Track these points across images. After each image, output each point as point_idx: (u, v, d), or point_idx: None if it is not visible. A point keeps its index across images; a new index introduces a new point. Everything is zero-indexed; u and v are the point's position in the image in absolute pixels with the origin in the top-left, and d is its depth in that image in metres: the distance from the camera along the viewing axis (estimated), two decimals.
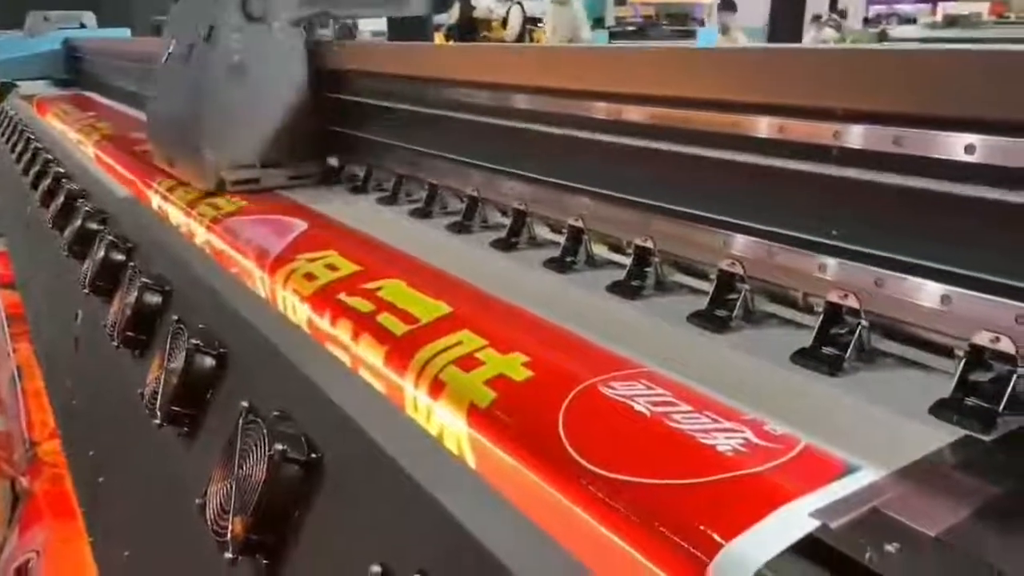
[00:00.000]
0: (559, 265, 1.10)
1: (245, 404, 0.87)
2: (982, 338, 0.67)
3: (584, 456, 0.66)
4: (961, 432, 0.65)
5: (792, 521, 0.55)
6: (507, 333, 0.89)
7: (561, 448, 0.68)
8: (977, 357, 0.68)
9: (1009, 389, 0.65)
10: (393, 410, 0.84)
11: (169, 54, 1.91)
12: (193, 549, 1.00)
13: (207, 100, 1.71)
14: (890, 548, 0.52)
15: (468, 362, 0.84)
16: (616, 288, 1.00)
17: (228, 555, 0.81)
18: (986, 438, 0.64)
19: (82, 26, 5.05)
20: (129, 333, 1.35)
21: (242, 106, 1.70)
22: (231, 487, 0.86)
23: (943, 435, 0.65)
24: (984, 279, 0.69)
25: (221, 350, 1.07)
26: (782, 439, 0.64)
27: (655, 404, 0.71)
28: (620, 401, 0.72)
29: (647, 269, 1.00)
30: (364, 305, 1.02)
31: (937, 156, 0.71)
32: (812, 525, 0.54)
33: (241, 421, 0.86)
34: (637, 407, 0.70)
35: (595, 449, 0.66)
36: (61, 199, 2.08)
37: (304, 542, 0.77)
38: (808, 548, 0.53)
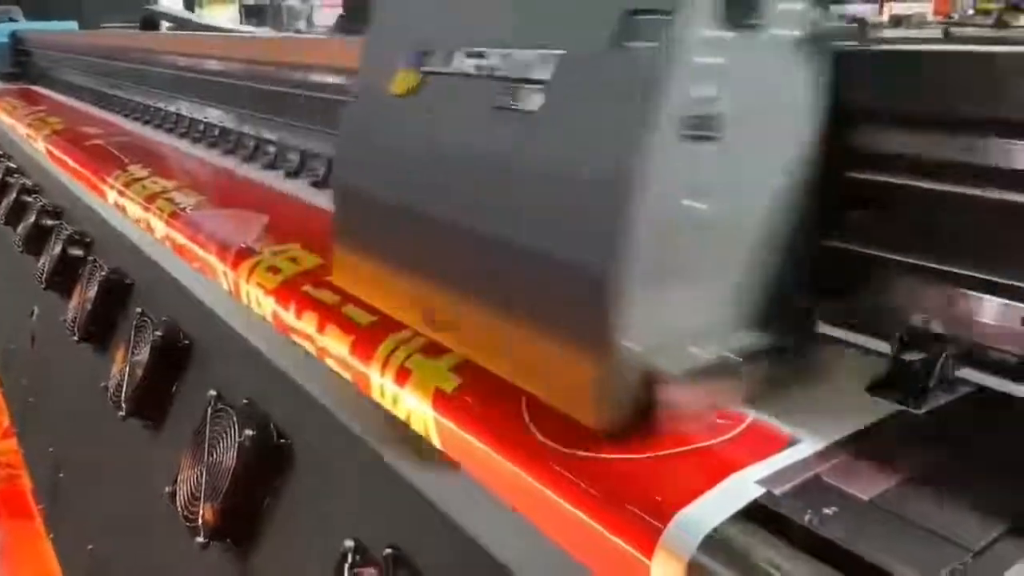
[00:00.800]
0: None
1: (213, 393, 0.89)
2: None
3: (546, 435, 0.69)
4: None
5: (740, 489, 0.59)
6: None
7: (523, 427, 0.71)
8: None
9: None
10: (359, 395, 0.86)
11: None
12: (160, 537, 1.02)
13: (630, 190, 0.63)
14: (828, 511, 0.56)
15: (433, 349, 0.87)
16: None
17: (200, 540, 0.83)
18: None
19: (11, 20, 4.95)
20: (90, 327, 1.35)
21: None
22: (201, 474, 0.87)
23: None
24: None
25: (186, 341, 1.09)
26: (732, 416, 0.68)
27: None
28: None
29: None
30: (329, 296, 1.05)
31: None
32: (758, 492, 0.58)
33: (210, 409, 0.88)
34: None
35: (556, 428, 0.70)
36: (13, 195, 2.06)
37: (275, 525, 0.80)
38: (754, 513, 0.57)
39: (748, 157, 0.68)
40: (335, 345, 0.95)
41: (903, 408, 0.70)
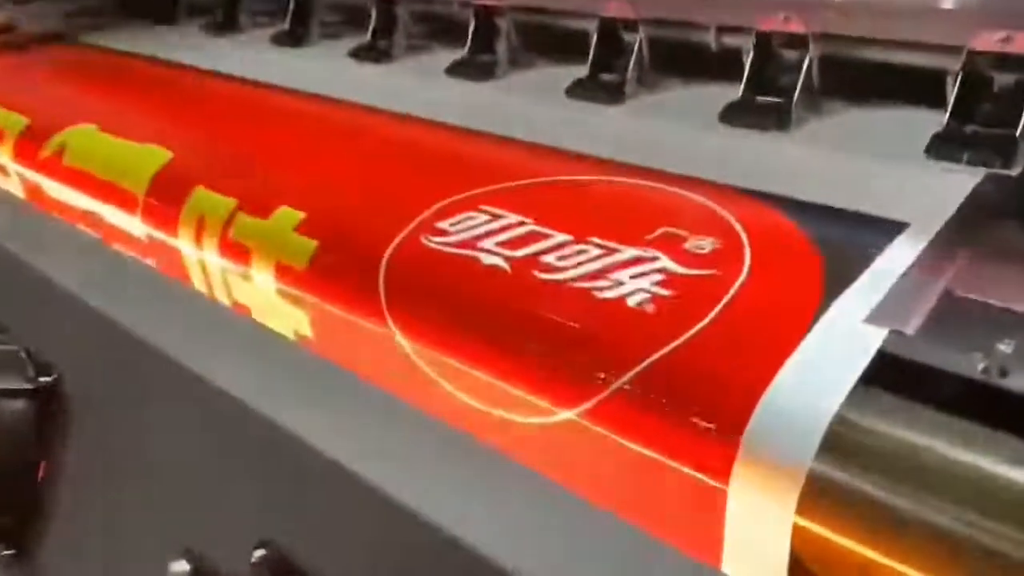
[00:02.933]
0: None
1: None
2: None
3: (432, 367, 0.43)
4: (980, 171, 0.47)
5: (846, 339, 0.35)
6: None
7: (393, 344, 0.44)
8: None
9: None
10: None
11: None
12: None
13: None
14: (1004, 347, 0.33)
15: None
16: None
17: None
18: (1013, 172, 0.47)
19: None
20: None
21: None
22: None
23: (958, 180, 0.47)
24: None
25: None
26: (720, 251, 0.43)
27: (510, 245, 0.47)
28: (456, 254, 0.47)
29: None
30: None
31: None
32: (878, 337, 0.34)
33: None
34: (486, 259, 0.46)
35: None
36: None
37: (60, 522, 0.50)
38: (883, 375, 0.33)
39: None
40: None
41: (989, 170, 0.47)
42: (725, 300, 0.39)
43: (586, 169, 0.53)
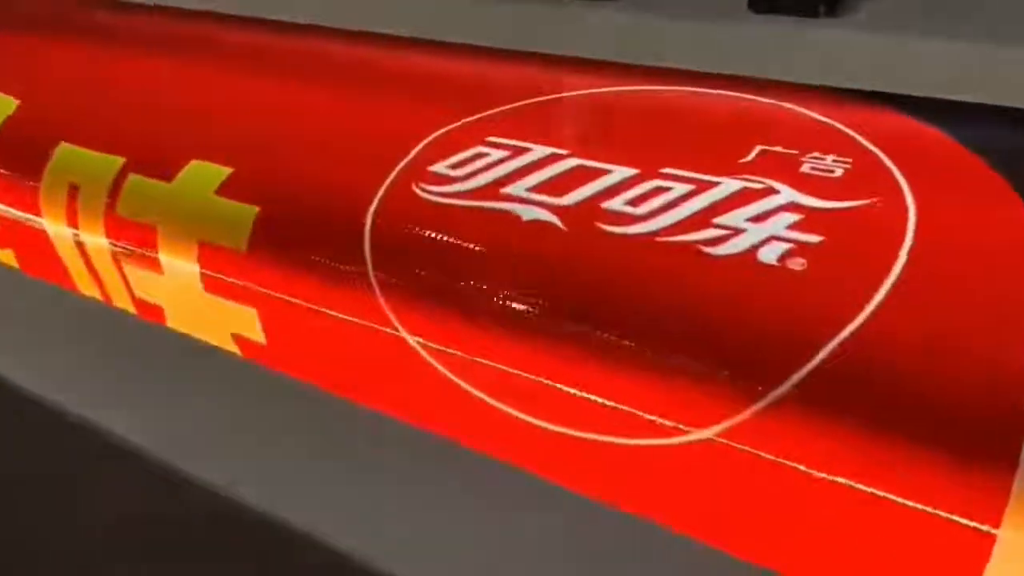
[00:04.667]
0: None
1: None
2: None
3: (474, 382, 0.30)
4: None
5: None
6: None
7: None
8: None
9: None
10: None
11: None
12: None
13: None
14: None
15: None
16: None
17: None
18: None
19: None
20: None
21: None
22: None
23: None
24: None
25: None
26: (856, 172, 0.32)
27: (551, 189, 0.33)
28: (474, 208, 0.33)
29: None
30: None
31: None
32: None
33: None
34: (524, 213, 0.32)
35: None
36: None
37: None
38: None
39: None
40: None
41: None
42: (907, 244, 0.27)
43: (607, 79, 0.39)
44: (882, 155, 0.31)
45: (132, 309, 0.40)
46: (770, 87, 0.36)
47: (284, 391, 0.37)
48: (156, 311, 0.39)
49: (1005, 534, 0.23)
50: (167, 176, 0.38)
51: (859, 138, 0.32)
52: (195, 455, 0.40)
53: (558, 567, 0.33)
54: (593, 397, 0.27)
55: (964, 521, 0.23)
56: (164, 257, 0.38)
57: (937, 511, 0.23)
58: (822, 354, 0.25)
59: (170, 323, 0.39)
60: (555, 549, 0.34)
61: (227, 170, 0.37)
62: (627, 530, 0.30)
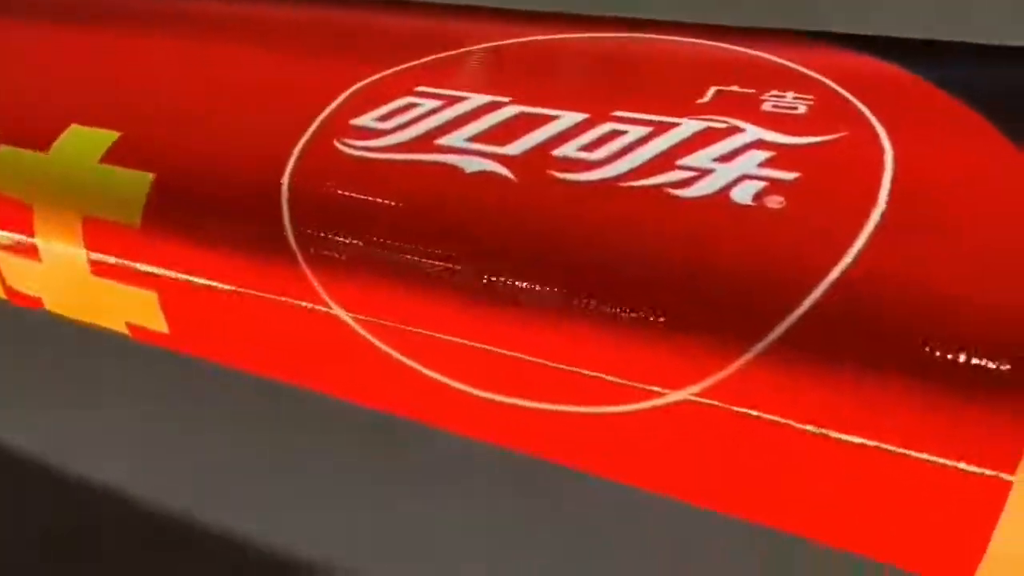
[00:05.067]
0: None
1: None
2: None
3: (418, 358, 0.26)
4: None
5: None
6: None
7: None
8: None
9: None
10: None
11: None
12: None
13: None
14: None
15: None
16: None
17: None
18: None
19: None
20: None
21: None
22: None
23: None
24: None
25: None
26: (821, 108, 0.30)
27: (493, 138, 0.30)
28: (410, 161, 0.30)
29: None
30: None
31: None
32: None
33: None
34: (467, 164, 0.29)
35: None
36: None
37: None
38: None
39: None
40: None
41: None
42: (888, 173, 0.25)
43: (544, 27, 0.37)
44: (844, 91, 0.29)
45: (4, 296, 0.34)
46: (716, 31, 0.34)
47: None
48: (33, 302, 0.34)
49: (1022, 478, 0.21)
50: (40, 143, 0.33)
51: (818, 76, 0.30)
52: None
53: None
54: (573, 368, 0.24)
55: (976, 469, 0.21)
56: (41, 240, 0.33)
57: (947, 460, 0.21)
58: (812, 296, 0.23)
59: (49, 309, 0.33)
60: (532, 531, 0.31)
61: (113, 134, 0.32)
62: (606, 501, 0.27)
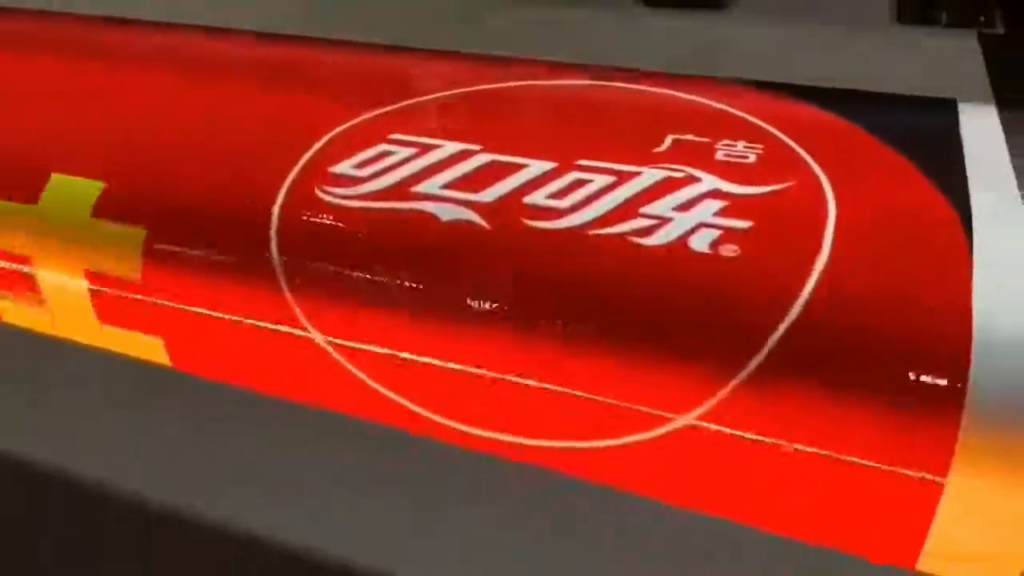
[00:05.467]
0: None
1: None
2: None
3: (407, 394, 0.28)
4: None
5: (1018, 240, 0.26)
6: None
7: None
8: None
9: None
10: None
11: None
12: None
13: None
14: None
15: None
16: None
17: None
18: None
19: None
20: None
21: None
22: None
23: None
24: None
25: None
26: (769, 158, 0.33)
27: (466, 185, 0.32)
28: (389, 210, 0.31)
29: None
30: None
31: None
32: None
33: None
34: (443, 213, 0.30)
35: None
36: None
37: None
38: None
39: None
40: None
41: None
42: (831, 221, 0.28)
43: (498, 74, 0.39)
44: (789, 140, 0.32)
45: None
46: (671, 80, 0.37)
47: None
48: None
49: (953, 481, 0.24)
50: (29, 195, 0.34)
51: (765, 125, 0.33)
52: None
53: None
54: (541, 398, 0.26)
55: (912, 473, 0.24)
56: (47, 293, 0.34)
57: (886, 465, 0.24)
58: (775, 335, 0.25)
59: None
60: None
61: (99, 184, 0.33)
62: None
